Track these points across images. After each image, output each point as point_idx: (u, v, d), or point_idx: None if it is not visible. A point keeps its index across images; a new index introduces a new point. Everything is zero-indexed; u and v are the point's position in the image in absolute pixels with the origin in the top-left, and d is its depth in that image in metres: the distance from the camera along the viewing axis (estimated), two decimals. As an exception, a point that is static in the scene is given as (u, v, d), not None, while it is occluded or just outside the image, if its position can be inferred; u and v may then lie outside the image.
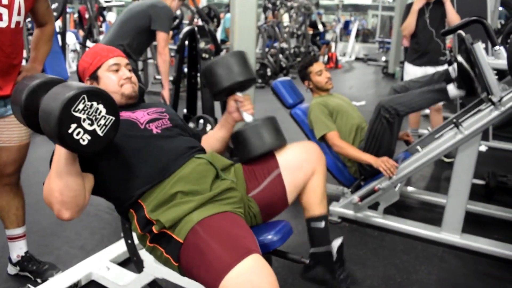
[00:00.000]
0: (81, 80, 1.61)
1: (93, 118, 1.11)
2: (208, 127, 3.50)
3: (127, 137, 1.41)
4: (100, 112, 1.12)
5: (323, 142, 2.70)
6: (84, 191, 1.29)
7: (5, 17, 1.69)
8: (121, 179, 1.39)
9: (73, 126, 1.08)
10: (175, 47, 3.83)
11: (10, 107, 1.82)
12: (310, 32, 10.57)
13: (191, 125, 3.69)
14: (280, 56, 8.55)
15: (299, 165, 1.59)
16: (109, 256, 2.14)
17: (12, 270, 2.10)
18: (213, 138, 1.72)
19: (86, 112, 1.10)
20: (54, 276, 2.00)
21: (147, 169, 1.39)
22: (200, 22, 4.99)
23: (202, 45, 3.63)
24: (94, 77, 1.55)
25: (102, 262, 2.07)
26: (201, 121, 3.63)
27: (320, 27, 11.44)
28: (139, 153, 1.41)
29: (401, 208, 2.87)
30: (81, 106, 1.09)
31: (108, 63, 1.55)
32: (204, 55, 3.65)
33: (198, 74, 3.88)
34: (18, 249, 2.06)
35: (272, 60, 8.20)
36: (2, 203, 1.97)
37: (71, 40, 8.47)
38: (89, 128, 1.10)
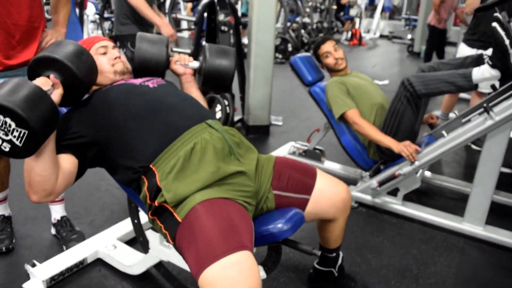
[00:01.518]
0: None
1: (6, 130, 1.11)
2: (218, 107, 3.38)
3: (125, 97, 1.41)
4: (10, 125, 1.10)
5: (341, 121, 2.57)
6: (54, 177, 1.26)
7: None
8: (130, 144, 1.34)
9: None
10: (193, 19, 3.69)
11: None
12: (334, 7, 10.25)
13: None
14: (302, 31, 8.32)
15: (327, 209, 1.55)
16: (116, 234, 2.09)
17: (52, 230, 2.22)
18: None
19: None
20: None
21: (157, 127, 1.35)
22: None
23: (221, 17, 3.49)
24: None
25: (109, 240, 2.02)
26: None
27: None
28: (143, 111, 1.38)
29: (421, 194, 2.74)
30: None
31: (95, 47, 1.57)
32: (223, 27, 3.52)
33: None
34: (55, 212, 2.18)
35: (293, 35, 7.99)
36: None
37: (91, 11, 8.38)
38: (5, 138, 1.12)
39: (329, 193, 1.54)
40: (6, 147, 1.12)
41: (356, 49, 10.04)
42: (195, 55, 3.76)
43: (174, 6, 8.15)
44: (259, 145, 3.60)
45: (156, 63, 1.63)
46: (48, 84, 1.26)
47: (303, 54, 2.94)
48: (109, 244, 1.99)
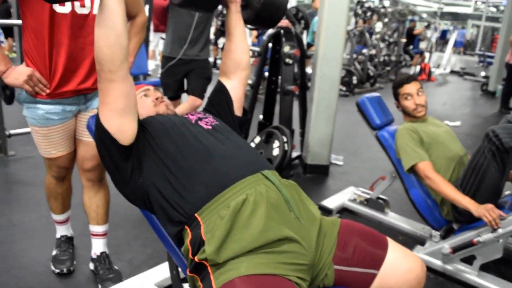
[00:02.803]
0: None
1: None
2: (276, 143, 3.19)
3: (181, 130, 1.33)
4: None
5: (411, 173, 2.29)
6: (119, 56, 1.20)
7: (88, 3, 1.65)
8: (177, 189, 1.21)
9: None
10: (258, 48, 3.58)
11: (92, 103, 1.85)
12: (403, 40, 9.89)
13: (257, 139, 3.42)
14: (368, 64, 8.04)
15: (397, 287, 1.28)
16: (154, 278, 1.93)
17: (90, 265, 2.10)
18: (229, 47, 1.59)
19: None
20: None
21: (207, 174, 1.22)
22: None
23: (286, 49, 3.34)
24: None
25: (146, 285, 1.87)
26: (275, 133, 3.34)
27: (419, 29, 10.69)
28: (195, 153, 1.27)
29: (501, 264, 2.37)
30: None
31: (138, 92, 1.54)
32: (287, 60, 3.36)
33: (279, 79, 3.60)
34: (95, 247, 2.06)
35: (359, 68, 7.73)
36: (84, 198, 1.97)
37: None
38: None
39: (402, 269, 1.28)
40: None
41: (425, 84, 9.57)
42: (256, 86, 3.64)
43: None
44: (317, 187, 3.37)
45: None
46: None
47: (371, 94, 2.70)
48: (145, 290, 1.84)
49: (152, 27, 6.12)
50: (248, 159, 1.29)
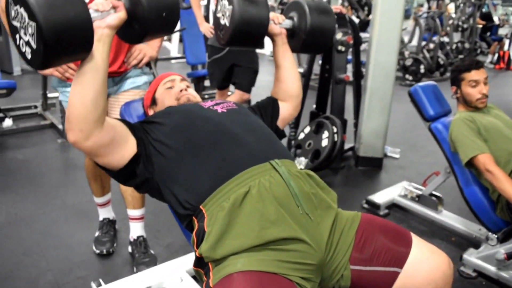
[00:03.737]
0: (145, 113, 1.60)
1: (24, 26, 0.95)
2: (325, 133, 3.07)
3: (189, 121, 1.26)
4: (25, 18, 0.93)
5: (469, 168, 2.09)
6: (94, 115, 1.06)
7: None
8: (184, 176, 1.17)
9: (17, 37, 0.98)
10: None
11: (121, 85, 1.88)
12: (480, 25, 9.18)
13: (307, 129, 3.32)
14: (439, 51, 7.55)
15: (423, 286, 1.16)
16: (187, 265, 1.93)
17: (129, 247, 2.14)
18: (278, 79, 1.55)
19: (18, 19, 0.96)
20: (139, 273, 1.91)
21: (213, 162, 1.16)
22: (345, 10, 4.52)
23: (338, 36, 3.20)
24: (153, 102, 1.53)
25: (176, 272, 1.87)
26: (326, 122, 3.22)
27: (496, 19, 9.85)
28: (203, 140, 1.21)
29: None
30: (13, 13, 0.97)
31: (162, 82, 1.52)
32: (339, 47, 3.22)
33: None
34: (132, 230, 2.10)
35: (428, 56, 7.29)
36: None
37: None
38: (25, 38, 0.96)
39: (427, 267, 1.16)
40: (28, 52, 0.96)
41: (502, 74, 8.82)
42: (308, 74, 3.53)
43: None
44: (368, 181, 3.21)
45: (258, 24, 1.37)
46: (108, 4, 1.10)
47: (426, 83, 2.50)
48: (176, 276, 1.84)
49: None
50: (259, 146, 1.21)
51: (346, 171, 3.35)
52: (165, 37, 9.23)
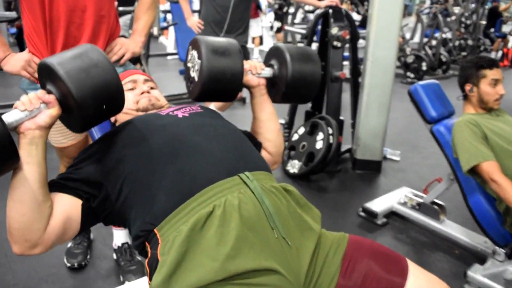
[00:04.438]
0: None
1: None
2: (320, 135, 2.88)
3: (142, 132, 1.07)
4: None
5: (472, 176, 1.90)
6: (39, 225, 0.92)
7: None
8: (139, 195, 0.98)
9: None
10: (303, 31, 3.28)
11: None
12: (483, 22, 8.96)
13: (301, 130, 3.13)
14: (442, 48, 7.34)
15: None
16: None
17: (114, 255, 2.04)
18: (256, 131, 1.34)
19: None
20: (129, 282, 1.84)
21: (170, 176, 0.97)
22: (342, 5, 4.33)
23: (334, 31, 3.00)
24: None
25: None
26: (321, 123, 3.03)
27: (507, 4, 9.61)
28: (158, 151, 1.02)
29: None
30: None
31: (124, 82, 1.30)
32: (335, 43, 3.03)
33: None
34: (116, 238, 2.01)
35: (430, 53, 7.07)
36: None
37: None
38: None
39: None
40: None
41: (507, 72, 8.61)
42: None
43: (283, 17, 7.81)
44: (366, 186, 3.02)
45: (230, 80, 1.20)
46: (37, 101, 0.92)
47: (427, 81, 2.31)
48: None
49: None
50: (226, 156, 1.03)
51: (342, 175, 3.16)
52: (159, 32, 9.06)
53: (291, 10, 8.04)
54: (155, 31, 8.61)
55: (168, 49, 8.30)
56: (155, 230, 0.93)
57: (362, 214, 2.52)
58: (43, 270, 1.96)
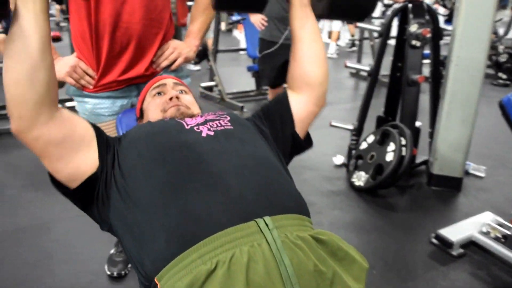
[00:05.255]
0: None
1: None
2: (391, 146, 2.56)
3: (161, 148, 0.93)
4: None
5: None
6: (33, 95, 0.84)
7: None
8: (140, 228, 0.84)
9: None
10: (378, 28, 2.96)
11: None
12: None
13: (370, 138, 2.82)
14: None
15: None
16: None
17: (113, 249, 2.02)
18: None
19: None
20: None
21: (173, 214, 0.81)
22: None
23: (413, 28, 2.66)
24: (141, 114, 1.25)
25: None
26: (393, 132, 2.71)
27: None
28: (168, 177, 0.87)
29: None
30: None
31: (150, 89, 1.24)
32: (413, 42, 2.68)
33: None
34: None
35: (528, 52, 6.33)
36: None
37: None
38: None
39: None
40: None
41: None
42: (375, 73, 3.02)
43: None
44: (442, 206, 2.65)
45: None
46: None
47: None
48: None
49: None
50: (245, 193, 0.83)
51: (415, 191, 2.81)
52: (227, 27, 8.99)
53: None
54: (222, 26, 8.58)
55: (241, 44, 8.24)
56: (155, 279, 0.78)
57: (435, 241, 2.18)
58: (83, 276, 1.91)
